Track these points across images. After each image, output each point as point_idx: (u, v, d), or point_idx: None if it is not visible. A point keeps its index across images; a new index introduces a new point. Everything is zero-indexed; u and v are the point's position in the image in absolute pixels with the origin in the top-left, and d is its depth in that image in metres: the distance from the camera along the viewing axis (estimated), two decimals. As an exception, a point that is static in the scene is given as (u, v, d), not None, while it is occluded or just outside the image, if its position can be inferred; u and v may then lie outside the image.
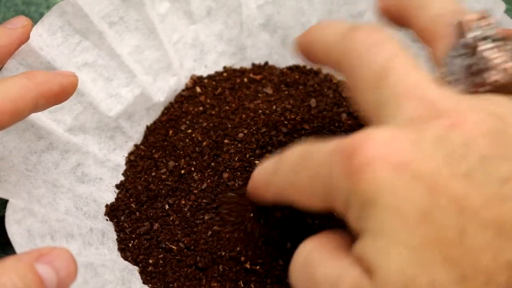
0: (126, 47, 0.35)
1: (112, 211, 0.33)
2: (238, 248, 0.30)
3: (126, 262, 0.31)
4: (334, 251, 0.22)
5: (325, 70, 0.39)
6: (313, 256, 0.22)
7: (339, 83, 0.38)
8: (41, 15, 0.42)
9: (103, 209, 0.33)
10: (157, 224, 0.32)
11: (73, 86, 0.28)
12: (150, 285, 0.30)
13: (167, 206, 0.32)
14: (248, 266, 0.30)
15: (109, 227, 0.32)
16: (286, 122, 0.34)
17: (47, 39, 0.31)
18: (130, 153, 0.36)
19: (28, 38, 0.30)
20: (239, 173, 0.32)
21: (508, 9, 0.35)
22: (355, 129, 0.35)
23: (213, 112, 0.36)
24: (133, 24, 0.35)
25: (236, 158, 0.33)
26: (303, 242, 0.23)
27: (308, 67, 0.39)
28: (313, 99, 0.36)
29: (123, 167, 0.35)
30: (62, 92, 0.27)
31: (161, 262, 0.30)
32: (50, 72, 0.28)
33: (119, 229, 0.32)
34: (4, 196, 0.27)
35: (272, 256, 0.30)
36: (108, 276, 0.28)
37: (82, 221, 0.30)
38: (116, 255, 0.31)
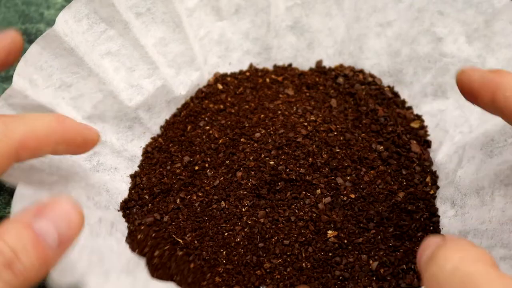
0: (151, 39, 0.35)
1: (125, 202, 0.33)
2: (243, 250, 0.30)
3: (132, 254, 0.31)
4: (494, 268, 0.19)
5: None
6: (473, 271, 0.19)
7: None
8: (41, 15, 0.42)
9: (115, 200, 0.33)
10: (167, 216, 0.32)
11: (93, 143, 0.28)
12: (154, 276, 0.30)
13: (178, 200, 0.32)
14: (253, 271, 0.29)
15: (119, 218, 0.32)
16: (306, 124, 0.34)
17: (73, 26, 0.31)
18: (148, 145, 0.36)
19: (18, 46, 0.28)
20: (253, 173, 0.32)
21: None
22: (375, 132, 0.35)
23: (232, 111, 0.36)
24: (159, 16, 0.35)
25: (251, 158, 0.32)
26: (431, 242, 0.21)
27: (327, 67, 0.38)
28: (333, 99, 0.36)
29: (139, 158, 0.35)
30: (83, 145, 0.27)
31: (166, 253, 0.30)
32: (79, 123, 0.27)
33: (129, 220, 0.32)
34: (14, 182, 0.27)
35: (279, 258, 0.30)
36: (111, 264, 0.27)
37: (91, 211, 0.30)
38: (123, 246, 0.31)
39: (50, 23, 0.42)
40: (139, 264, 0.30)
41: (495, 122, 0.31)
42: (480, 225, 0.29)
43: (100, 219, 0.30)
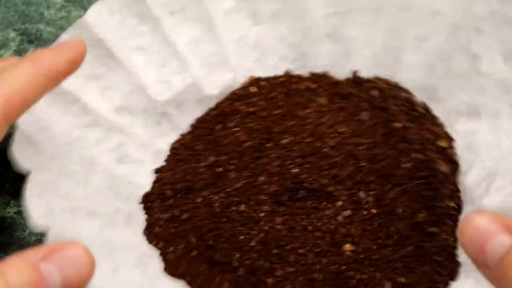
0: (182, 37, 0.35)
1: (146, 196, 0.33)
2: (256, 255, 0.30)
3: (147, 247, 0.31)
4: None
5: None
6: None
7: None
8: (41, 15, 0.43)
9: (137, 193, 0.33)
10: (186, 214, 0.32)
11: (82, 54, 0.26)
12: (166, 272, 0.30)
13: (199, 199, 0.33)
14: (264, 279, 0.29)
15: (138, 210, 0.33)
16: (335, 135, 0.33)
17: (106, 18, 0.31)
18: (175, 141, 0.36)
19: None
20: (275, 178, 0.32)
21: None
22: (405, 150, 0.34)
23: (262, 114, 0.36)
24: (193, 15, 0.35)
25: (275, 163, 0.32)
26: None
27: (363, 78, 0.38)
28: (365, 112, 0.35)
29: (165, 153, 0.36)
30: (71, 67, 0.26)
31: (180, 251, 0.31)
32: (57, 50, 0.26)
33: (149, 213, 0.33)
34: (31, 167, 0.27)
35: (292, 266, 0.30)
36: (123, 257, 0.28)
37: (110, 201, 0.31)
38: (139, 238, 0.32)
39: (50, 23, 0.43)
40: (153, 258, 0.30)
41: None
42: None
43: (118, 209, 0.30)
